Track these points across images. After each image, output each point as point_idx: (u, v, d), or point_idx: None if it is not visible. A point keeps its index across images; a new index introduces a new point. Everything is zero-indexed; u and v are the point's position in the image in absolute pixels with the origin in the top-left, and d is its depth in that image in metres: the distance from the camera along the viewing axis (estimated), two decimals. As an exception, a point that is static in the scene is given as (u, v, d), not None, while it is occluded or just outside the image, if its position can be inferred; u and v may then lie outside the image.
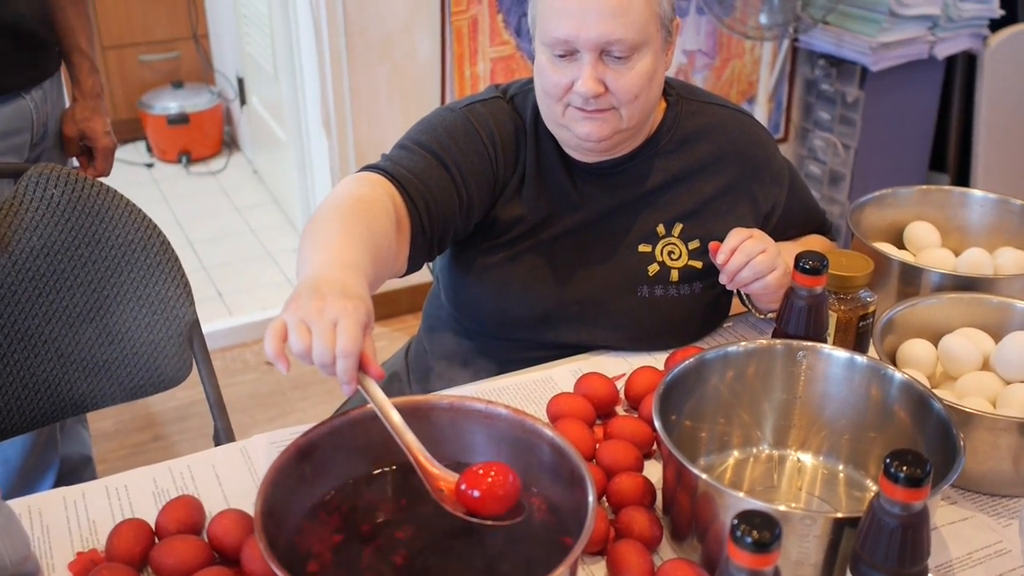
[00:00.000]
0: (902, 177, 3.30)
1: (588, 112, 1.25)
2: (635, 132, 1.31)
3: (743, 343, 1.15)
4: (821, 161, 3.31)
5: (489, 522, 0.89)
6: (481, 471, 0.90)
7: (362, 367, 0.91)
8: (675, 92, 1.40)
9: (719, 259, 1.27)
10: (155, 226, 1.45)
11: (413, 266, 1.27)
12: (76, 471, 2.02)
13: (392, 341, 2.86)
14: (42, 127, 1.74)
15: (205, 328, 1.49)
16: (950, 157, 3.36)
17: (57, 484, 1.93)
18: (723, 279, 1.29)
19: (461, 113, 1.33)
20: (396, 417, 0.93)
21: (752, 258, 1.25)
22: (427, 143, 1.29)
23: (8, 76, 1.65)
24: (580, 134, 1.27)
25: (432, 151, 1.28)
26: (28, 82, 1.70)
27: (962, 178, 3.35)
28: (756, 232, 1.29)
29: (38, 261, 1.39)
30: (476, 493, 0.89)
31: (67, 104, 1.84)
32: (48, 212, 1.38)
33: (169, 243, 1.45)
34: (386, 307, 2.97)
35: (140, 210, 1.44)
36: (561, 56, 1.23)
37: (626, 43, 1.21)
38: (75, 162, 1.85)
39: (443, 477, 0.92)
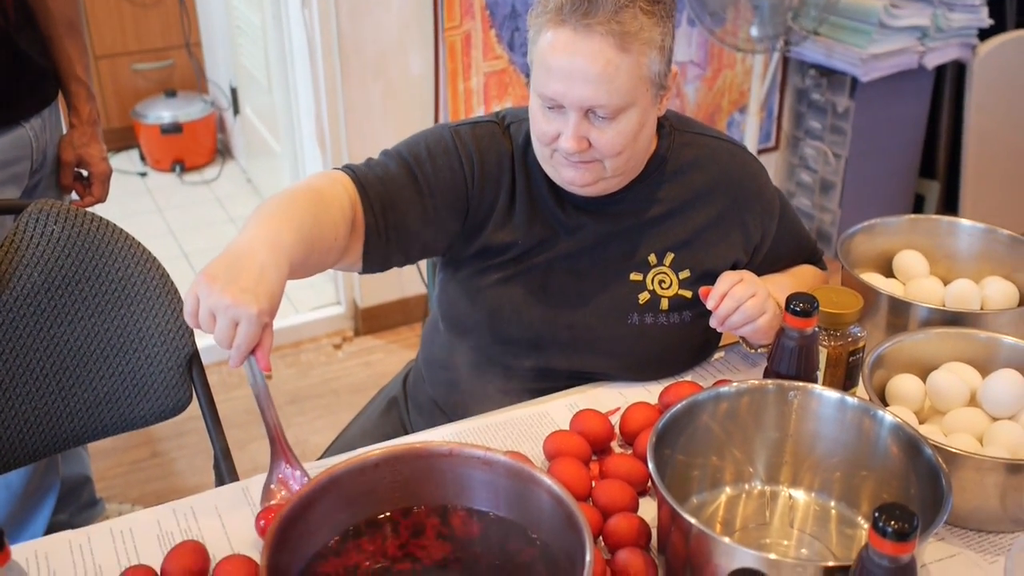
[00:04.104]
0: (892, 185, 3.33)
1: (572, 162, 1.28)
2: (623, 177, 1.34)
3: (735, 384, 1.17)
4: (812, 169, 3.34)
5: None
6: None
7: (255, 353, 1.12)
8: (668, 123, 1.41)
9: (709, 304, 1.29)
10: (154, 259, 1.46)
11: (372, 266, 1.34)
12: (75, 491, 2.04)
13: (388, 354, 2.88)
14: (41, 155, 1.76)
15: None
16: (939, 164, 3.39)
17: (57, 505, 1.95)
18: (713, 323, 1.31)
19: (448, 131, 1.38)
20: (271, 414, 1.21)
21: (742, 303, 1.28)
22: (404, 153, 1.35)
23: (10, 107, 1.67)
24: (565, 178, 1.31)
25: (406, 161, 1.34)
26: (28, 111, 1.71)
27: (951, 185, 3.37)
28: (746, 275, 1.31)
29: (39, 297, 1.40)
30: None
31: (64, 131, 1.85)
32: (48, 248, 1.40)
33: (168, 275, 1.47)
34: (380, 320, 2.99)
35: (139, 243, 1.46)
36: (550, 108, 1.26)
37: (609, 107, 1.23)
38: (74, 195, 1.87)
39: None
